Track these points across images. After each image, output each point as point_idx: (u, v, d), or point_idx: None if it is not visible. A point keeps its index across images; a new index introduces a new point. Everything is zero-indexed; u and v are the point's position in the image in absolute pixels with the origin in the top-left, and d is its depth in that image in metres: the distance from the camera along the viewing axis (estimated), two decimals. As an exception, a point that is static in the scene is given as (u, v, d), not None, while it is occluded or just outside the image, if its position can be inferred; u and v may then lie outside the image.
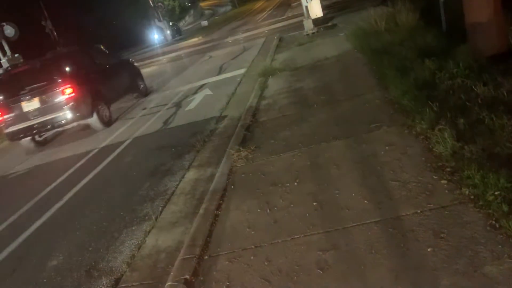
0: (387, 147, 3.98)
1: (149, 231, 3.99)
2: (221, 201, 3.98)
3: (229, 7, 64.87)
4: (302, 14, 14.33)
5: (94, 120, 9.21)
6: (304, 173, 4.00)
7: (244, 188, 4.13)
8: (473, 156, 3.20)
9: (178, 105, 9.60)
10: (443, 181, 3.17)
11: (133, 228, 4.22)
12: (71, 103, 8.68)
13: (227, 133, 6.27)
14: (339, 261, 2.69)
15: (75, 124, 9.03)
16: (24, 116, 8.76)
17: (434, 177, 3.27)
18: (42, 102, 8.69)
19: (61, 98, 8.66)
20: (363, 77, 6.76)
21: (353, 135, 4.52)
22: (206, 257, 3.17)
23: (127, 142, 7.70)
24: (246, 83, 9.52)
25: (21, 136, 8.96)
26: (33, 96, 8.68)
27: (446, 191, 3.05)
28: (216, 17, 55.18)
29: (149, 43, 39.31)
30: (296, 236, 3.07)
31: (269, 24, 25.79)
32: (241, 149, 5.13)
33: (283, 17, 27.56)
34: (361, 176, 3.62)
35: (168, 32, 37.97)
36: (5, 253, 4.58)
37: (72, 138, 9.68)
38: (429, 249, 2.54)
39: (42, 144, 9.61)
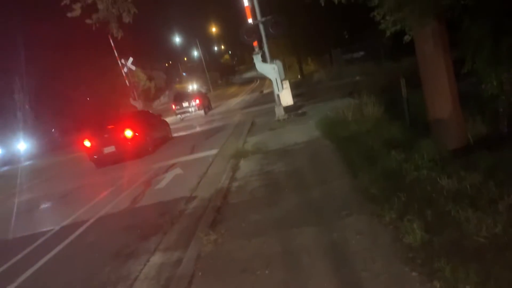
0: (358, 236, 3.99)
1: (108, 321, 3.71)
2: (187, 288, 3.79)
3: (203, 90, 67.36)
4: (273, 101, 14.98)
5: (200, 113, 26.90)
6: (275, 260, 3.91)
7: (213, 275, 3.97)
8: (442, 248, 3.24)
9: (147, 183, 9.46)
10: (414, 273, 3.17)
11: (90, 316, 3.91)
12: (196, 104, 26.99)
13: (196, 215, 6.16)
14: None
15: (197, 112, 26.95)
16: (182, 107, 27.20)
17: (405, 268, 3.27)
18: (188, 103, 27.18)
19: (193, 102, 27.09)
20: (332, 163, 6.95)
21: (324, 222, 4.53)
22: None
23: (91, 221, 7.39)
24: (218, 164, 9.57)
25: (178, 113, 27.35)
26: (185, 101, 27.33)
27: (418, 284, 3.03)
28: (191, 99, 56.72)
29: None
30: (266, 330, 2.92)
31: (241, 108, 26.68)
32: (211, 232, 5.02)
33: (255, 103, 28.66)
34: (333, 265, 3.57)
35: (142, 110, 38.76)
36: None
37: (32, 213, 9.24)
38: None
39: (182, 120, 26.40)
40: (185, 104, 28.48)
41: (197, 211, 6.36)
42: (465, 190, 4.14)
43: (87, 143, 13.63)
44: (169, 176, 9.72)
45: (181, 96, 28.96)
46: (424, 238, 3.47)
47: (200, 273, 4.06)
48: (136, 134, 13.50)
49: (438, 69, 5.48)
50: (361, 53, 30.30)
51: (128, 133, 13.33)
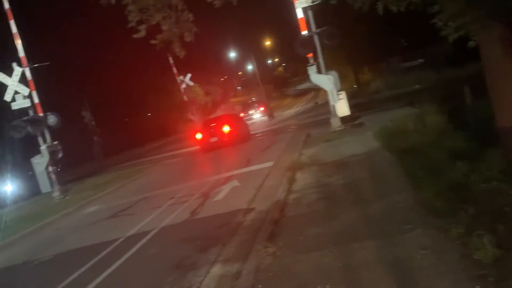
0: (422, 251, 3.82)
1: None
2: (247, 301, 3.81)
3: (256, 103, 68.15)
4: (329, 112, 14.82)
5: (265, 119, 34.27)
6: (336, 275, 3.83)
7: (272, 288, 3.97)
8: (518, 266, 3.03)
9: (205, 195, 9.68)
10: (486, 292, 2.98)
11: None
12: (261, 111, 38.12)
13: (254, 227, 6.20)
14: None
15: (262, 118, 35.87)
16: (249, 114, 38.51)
17: (476, 286, 3.08)
18: (254, 110, 39.99)
19: (257, 110, 39.76)
20: (393, 176, 6.73)
21: (386, 236, 4.38)
22: None
23: (153, 232, 7.66)
24: (274, 176, 9.60)
25: (246, 119, 29.95)
26: (252, 109, 40.82)
27: (491, 304, 2.84)
28: (245, 112, 57.56)
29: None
30: None
31: (296, 119, 26.69)
32: (269, 245, 5.03)
33: (310, 114, 28.55)
34: (397, 281, 3.44)
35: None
36: None
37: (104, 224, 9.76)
38: None
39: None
40: (251, 112, 38.44)
41: (254, 224, 6.40)
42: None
43: (198, 136, 19.61)
44: (226, 188, 9.89)
45: (248, 105, 40.08)
46: (496, 254, 3.26)
47: (259, 286, 4.07)
48: (231, 129, 19.01)
49: (506, 74, 5.16)
50: (420, 60, 29.31)
51: (226, 128, 18.94)
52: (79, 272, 6.42)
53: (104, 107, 38.20)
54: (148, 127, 43.48)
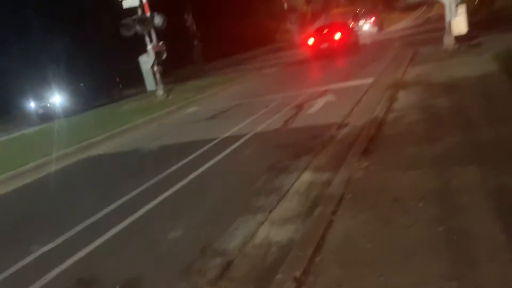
0: (534, 183, 3.53)
1: (262, 223, 4.12)
2: (336, 208, 3.92)
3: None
4: (443, 28, 13.41)
5: (374, 30, 34.75)
6: (431, 195, 3.73)
7: (363, 199, 4.01)
8: None
9: (299, 107, 9.71)
10: None
11: (248, 217, 4.38)
12: (372, 22, 36.94)
13: (348, 141, 6.16)
14: (464, 295, 2.47)
15: (371, 30, 35.87)
16: (359, 24, 37.07)
17: None
18: (365, 20, 37.35)
19: (369, 20, 37.12)
20: (509, 103, 6.08)
21: (492, 164, 4.08)
22: (318, 259, 3.15)
23: (248, 136, 8.01)
24: (373, 93, 9.24)
25: (355, 30, 26.31)
26: (362, 19, 38.01)
27: None
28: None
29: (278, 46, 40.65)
30: (416, 258, 2.89)
31: (405, 34, 24.67)
32: (362, 159, 5.00)
33: (420, 29, 26.15)
34: (498, 210, 3.26)
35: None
36: (133, 216, 5.12)
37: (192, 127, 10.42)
38: None
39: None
40: (361, 22, 37.39)
41: (348, 138, 6.35)
42: None
43: (310, 40, 20.73)
44: (320, 102, 9.80)
45: (358, 15, 38.97)
46: None
47: (349, 196, 4.13)
48: (342, 37, 19.89)
49: None
50: None
51: (337, 35, 19.91)
52: (182, 163, 7.09)
53: (205, 12, 38.62)
54: (247, 34, 43.43)
